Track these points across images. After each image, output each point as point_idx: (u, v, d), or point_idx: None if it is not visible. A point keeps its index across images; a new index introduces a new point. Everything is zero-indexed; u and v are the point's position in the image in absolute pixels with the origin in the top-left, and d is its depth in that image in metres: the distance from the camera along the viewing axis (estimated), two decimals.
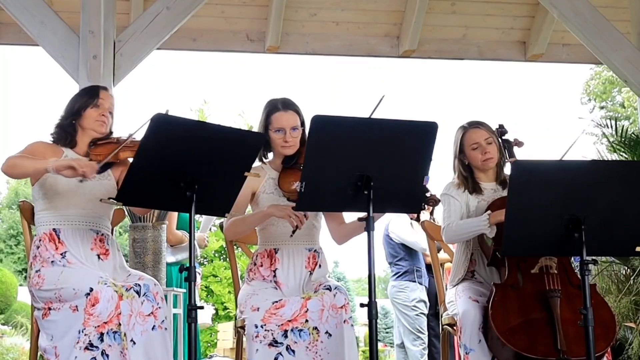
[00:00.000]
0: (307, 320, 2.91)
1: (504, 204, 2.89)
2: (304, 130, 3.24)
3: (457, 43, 6.10)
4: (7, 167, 2.94)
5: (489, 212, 3.25)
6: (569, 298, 3.14)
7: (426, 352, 5.92)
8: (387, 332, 20.59)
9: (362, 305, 2.70)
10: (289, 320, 2.91)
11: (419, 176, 2.78)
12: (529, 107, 74.47)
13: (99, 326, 2.80)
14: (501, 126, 3.66)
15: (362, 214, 2.74)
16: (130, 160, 2.85)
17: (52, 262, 2.99)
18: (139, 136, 2.85)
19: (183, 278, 2.68)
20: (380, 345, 15.34)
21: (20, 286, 16.58)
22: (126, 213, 3.69)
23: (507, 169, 3.54)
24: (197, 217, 2.87)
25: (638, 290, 5.16)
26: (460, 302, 3.28)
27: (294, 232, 3.04)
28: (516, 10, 6.08)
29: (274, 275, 3.17)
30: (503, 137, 3.62)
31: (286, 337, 2.89)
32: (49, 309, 2.91)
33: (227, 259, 10.25)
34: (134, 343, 2.82)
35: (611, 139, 5.96)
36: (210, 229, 6.62)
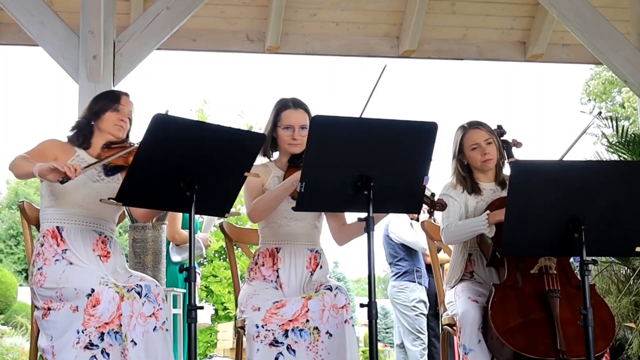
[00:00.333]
0: (307, 320, 2.91)
1: (503, 204, 2.89)
2: None
3: (457, 43, 6.10)
4: (10, 166, 2.97)
5: (487, 212, 3.26)
6: (568, 298, 3.14)
7: (426, 352, 5.92)
8: (387, 332, 20.57)
9: (362, 305, 2.70)
10: (290, 320, 2.91)
11: (418, 176, 2.78)
12: (528, 107, 74.48)
13: (99, 326, 2.80)
14: (500, 127, 3.66)
15: (363, 214, 2.74)
16: None
17: (55, 260, 2.98)
18: None
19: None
20: (380, 346, 15.35)
21: (20, 286, 16.59)
22: (126, 214, 3.68)
23: (506, 170, 3.54)
24: (198, 217, 2.86)
25: (638, 291, 5.16)
26: (459, 303, 3.29)
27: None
28: (516, 11, 6.09)
29: (277, 275, 3.17)
30: (502, 138, 3.62)
31: (287, 336, 2.89)
32: (49, 309, 2.91)
33: (227, 259, 10.25)
34: (135, 344, 2.81)
35: (611, 139, 5.96)
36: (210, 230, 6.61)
